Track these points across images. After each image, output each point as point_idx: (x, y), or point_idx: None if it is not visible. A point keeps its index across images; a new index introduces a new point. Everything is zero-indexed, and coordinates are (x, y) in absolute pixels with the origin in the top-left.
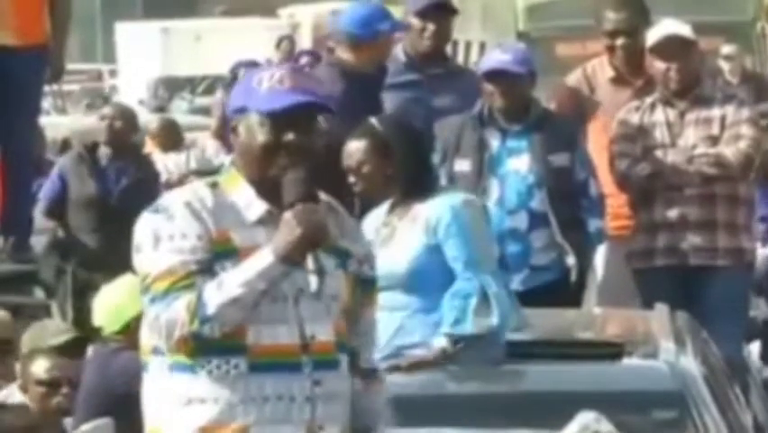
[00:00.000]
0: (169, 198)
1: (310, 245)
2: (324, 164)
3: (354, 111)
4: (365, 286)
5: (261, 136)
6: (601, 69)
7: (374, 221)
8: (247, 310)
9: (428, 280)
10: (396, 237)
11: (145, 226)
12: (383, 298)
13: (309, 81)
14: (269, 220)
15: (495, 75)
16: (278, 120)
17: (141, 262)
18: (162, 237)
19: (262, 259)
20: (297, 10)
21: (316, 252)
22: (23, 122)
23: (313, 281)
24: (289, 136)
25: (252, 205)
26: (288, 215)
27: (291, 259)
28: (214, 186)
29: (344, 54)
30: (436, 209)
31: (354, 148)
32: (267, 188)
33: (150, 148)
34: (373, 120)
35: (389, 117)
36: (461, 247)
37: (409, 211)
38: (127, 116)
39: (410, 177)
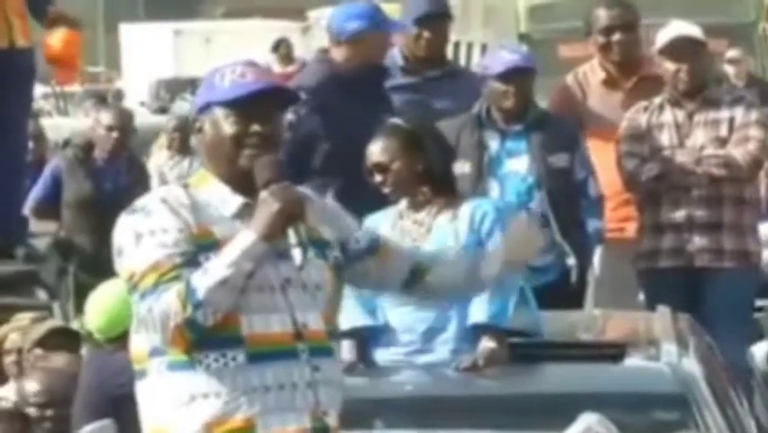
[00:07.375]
0: (143, 199)
1: (289, 219)
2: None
3: (334, 108)
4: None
5: (228, 128)
6: (592, 73)
7: (380, 222)
8: (235, 293)
9: None
10: (434, 234)
11: (124, 228)
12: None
13: (270, 75)
14: (247, 213)
15: (512, 74)
16: (243, 110)
17: (124, 263)
18: (143, 234)
19: (245, 238)
20: (325, 12)
21: (297, 226)
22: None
23: (297, 255)
24: (255, 127)
25: (227, 200)
26: (264, 194)
27: (272, 235)
28: (185, 186)
29: (332, 52)
30: (481, 207)
31: (383, 146)
32: (239, 180)
33: (156, 149)
34: (396, 120)
35: (414, 116)
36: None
37: (446, 209)
38: (128, 121)
39: (440, 174)
